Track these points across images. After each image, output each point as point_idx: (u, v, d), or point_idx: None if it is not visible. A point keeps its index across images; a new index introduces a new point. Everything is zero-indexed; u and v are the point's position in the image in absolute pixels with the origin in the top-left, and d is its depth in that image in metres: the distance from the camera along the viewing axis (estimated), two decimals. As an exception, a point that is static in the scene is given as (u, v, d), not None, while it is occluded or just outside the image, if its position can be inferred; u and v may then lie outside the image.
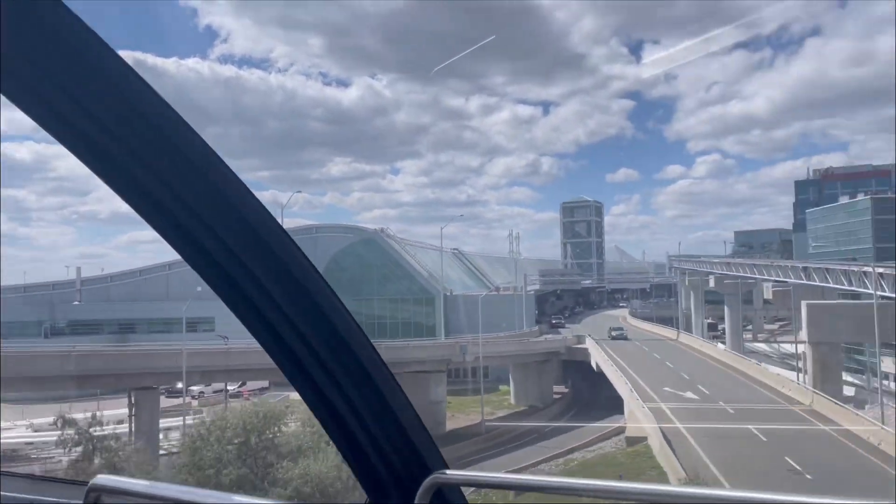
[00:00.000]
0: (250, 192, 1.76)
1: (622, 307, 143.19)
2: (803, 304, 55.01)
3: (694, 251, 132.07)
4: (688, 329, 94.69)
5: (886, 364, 75.00)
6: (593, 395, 70.77)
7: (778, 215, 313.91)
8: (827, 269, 61.43)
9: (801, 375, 56.58)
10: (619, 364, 60.80)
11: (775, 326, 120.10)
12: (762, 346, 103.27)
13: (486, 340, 70.41)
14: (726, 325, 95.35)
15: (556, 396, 77.26)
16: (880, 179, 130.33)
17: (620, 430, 52.11)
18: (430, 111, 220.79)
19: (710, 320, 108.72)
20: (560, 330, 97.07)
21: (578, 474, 40.25)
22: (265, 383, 74.59)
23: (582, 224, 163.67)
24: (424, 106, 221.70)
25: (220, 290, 1.84)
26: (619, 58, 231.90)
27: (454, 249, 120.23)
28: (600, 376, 68.86)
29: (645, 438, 41.40)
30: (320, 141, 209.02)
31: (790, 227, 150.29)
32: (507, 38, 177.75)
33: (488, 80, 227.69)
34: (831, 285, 59.66)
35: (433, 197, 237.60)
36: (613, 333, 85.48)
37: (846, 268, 57.54)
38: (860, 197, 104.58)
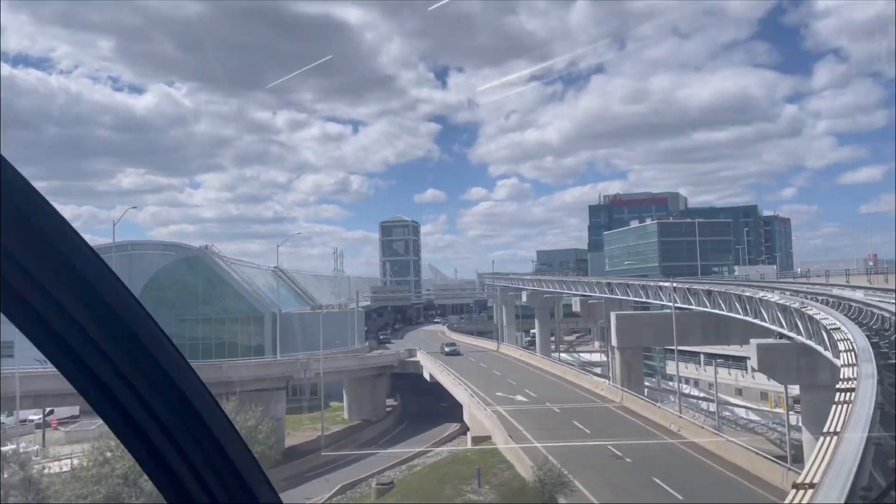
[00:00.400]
0: (45, 201, 1.52)
1: (437, 322, 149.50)
2: (612, 314, 62.87)
3: (496, 269, 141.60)
4: (503, 341, 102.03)
5: (673, 366, 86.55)
6: (428, 405, 74.55)
7: (568, 236, 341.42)
8: (627, 284, 70.62)
9: (609, 378, 64.54)
10: (454, 374, 65.08)
11: (573, 338, 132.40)
12: (564, 356, 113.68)
13: (323, 357, 71.50)
14: (537, 336, 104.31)
15: (388, 409, 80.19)
16: (659, 206, 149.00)
17: (464, 432, 56.30)
18: (234, 123, 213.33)
19: (519, 333, 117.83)
20: (388, 345, 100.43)
21: (430, 475, 43.45)
22: (75, 410, 70.12)
23: (400, 243, 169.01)
24: (228, 118, 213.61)
25: (11, 313, 1.56)
26: (427, 82, 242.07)
27: (274, 267, 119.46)
28: (434, 387, 72.87)
29: (489, 437, 45.57)
30: (109, 150, 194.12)
31: (584, 247, 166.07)
32: (315, 55, 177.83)
33: (296, 96, 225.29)
34: (632, 298, 68.71)
35: (237, 213, 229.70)
36: (447, 349, 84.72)
37: (644, 283, 66.81)
38: (648, 221, 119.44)
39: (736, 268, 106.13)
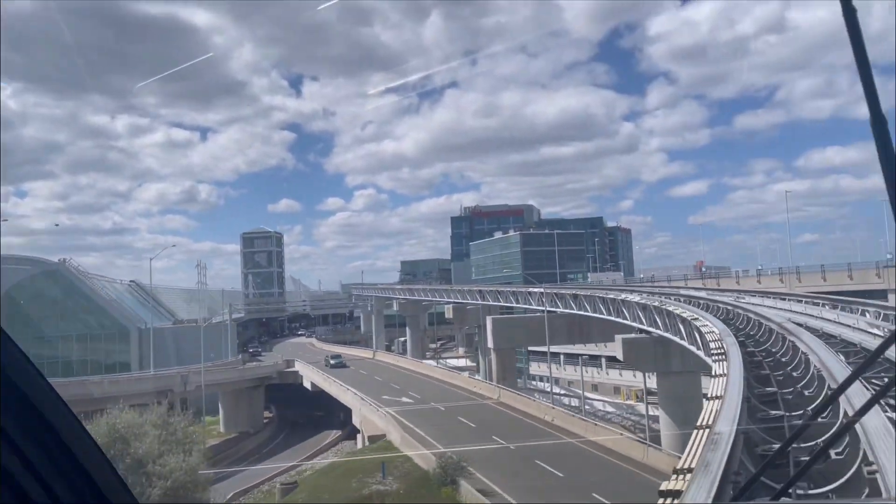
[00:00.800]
0: None
1: (300, 335, 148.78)
2: (489, 318, 67.68)
3: (355, 280, 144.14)
4: (377, 349, 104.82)
5: (534, 367, 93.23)
6: (306, 414, 75.89)
7: (425, 246, 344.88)
8: (498, 291, 75.98)
9: (485, 377, 69.29)
10: (338, 382, 67.05)
11: (437, 345, 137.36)
12: (430, 363, 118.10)
13: (198, 371, 70.75)
14: (408, 343, 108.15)
15: (265, 420, 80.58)
16: (515, 217, 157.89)
17: (348, 437, 58.67)
18: (67, 128, 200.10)
19: (388, 342, 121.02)
20: (259, 358, 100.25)
21: (333, 472, 45.65)
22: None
23: (262, 254, 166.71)
24: (59, 121, 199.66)
25: None
26: (280, 90, 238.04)
27: (131, 281, 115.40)
28: (313, 396, 74.44)
29: (384, 436, 48.42)
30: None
31: (446, 257, 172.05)
32: (159, 58, 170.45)
33: (138, 100, 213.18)
34: (502, 303, 74.07)
35: (71, 223, 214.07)
36: (332, 362, 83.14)
37: (515, 289, 72.33)
38: (511, 232, 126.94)
39: (589, 274, 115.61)
